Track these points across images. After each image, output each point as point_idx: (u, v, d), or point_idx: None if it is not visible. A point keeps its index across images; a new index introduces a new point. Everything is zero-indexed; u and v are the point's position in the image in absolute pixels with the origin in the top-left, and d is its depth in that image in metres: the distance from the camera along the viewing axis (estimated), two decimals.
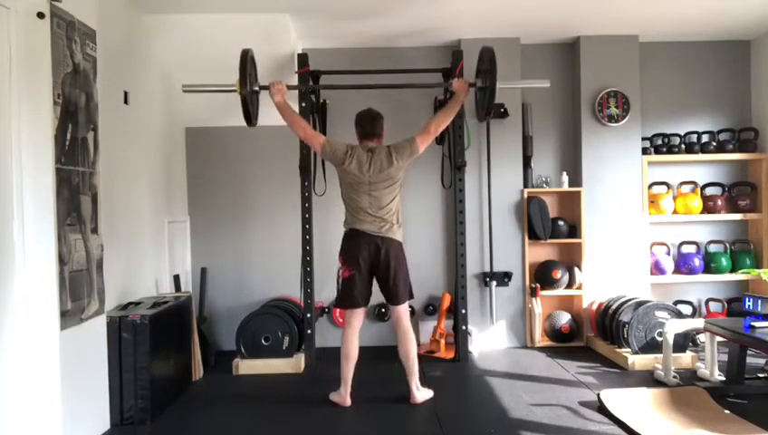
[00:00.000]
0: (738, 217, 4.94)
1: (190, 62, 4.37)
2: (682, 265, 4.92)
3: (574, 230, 4.88)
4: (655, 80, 5.01)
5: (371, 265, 3.43)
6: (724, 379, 3.72)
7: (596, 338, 4.67)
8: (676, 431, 2.95)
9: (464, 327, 4.43)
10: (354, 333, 3.50)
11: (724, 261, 4.88)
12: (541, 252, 4.93)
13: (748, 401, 3.39)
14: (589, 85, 4.84)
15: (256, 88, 3.53)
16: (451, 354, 4.51)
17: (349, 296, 3.46)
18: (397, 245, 3.46)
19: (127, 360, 3.24)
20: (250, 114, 3.52)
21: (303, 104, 4.35)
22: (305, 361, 4.33)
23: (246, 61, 3.45)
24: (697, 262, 4.87)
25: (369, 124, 3.54)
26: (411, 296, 3.57)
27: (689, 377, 3.85)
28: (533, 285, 4.76)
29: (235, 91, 3.43)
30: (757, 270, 4.51)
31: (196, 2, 3.95)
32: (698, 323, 3.93)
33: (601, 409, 3.28)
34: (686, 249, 4.99)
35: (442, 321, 4.66)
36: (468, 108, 4.60)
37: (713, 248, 5.00)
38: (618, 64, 4.84)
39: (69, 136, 2.83)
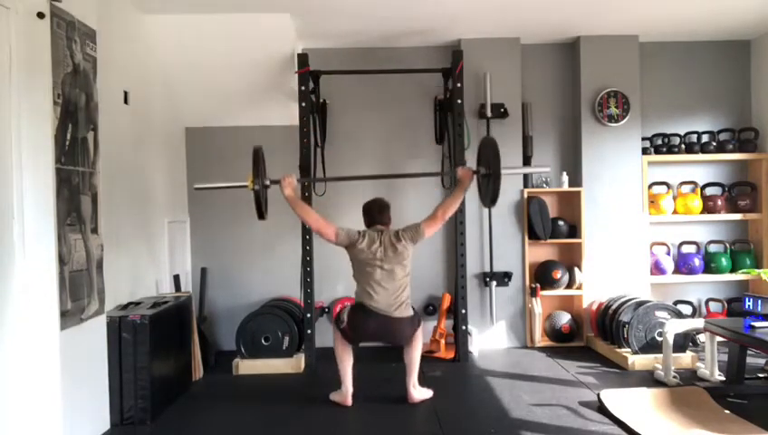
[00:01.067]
0: (738, 217, 4.94)
1: (190, 62, 4.38)
2: (682, 265, 4.91)
3: (574, 230, 4.88)
4: (655, 80, 5.01)
5: (374, 337, 3.50)
6: (724, 379, 3.72)
7: (596, 338, 4.66)
8: (676, 431, 2.95)
9: (464, 327, 4.43)
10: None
11: (724, 261, 4.87)
12: (541, 252, 4.93)
13: (748, 401, 3.39)
14: (589, 85, 4.84)
15: (267, 183, 3.58)
16: (451, 354, 4.51)
17: (348, 338, 3.52)
18: (407, 321, 3.47)
19: (127, 360, 3.24)
20: (262, 208, 3.59)
21: (303, 104, 4.35)
22: (305, 361, 4.33)
23: (258, 158, 3.52)
24: (697, 262, 4.87)
25: (377, 214, 3.62)
26: (419, 324, 3.58)
27: (689, 377, 3.85)
28: (533, 285, 4.76)
29: (246, 187, 3.48)
30: (757, 270, 4.52)
31: (196, 2, 3.94)
32: (698, 323, 3.93)
33: (601, 409, 3.28)
34: (686, 249, 4.99)
35: (442, 321, 4.66)
36: (468, 108, 4.62)
37: (713, 248, 5.00)
38: (618, 64, 4.84)
39: (69, 136, 2.83)
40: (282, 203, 4.79)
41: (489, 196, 3.54)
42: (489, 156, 3.50)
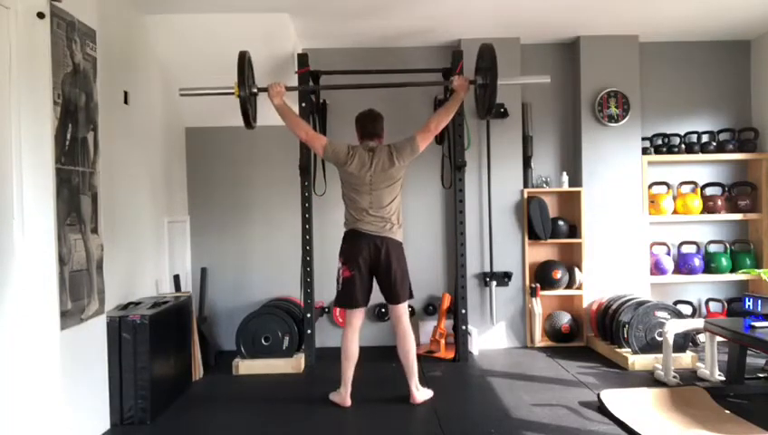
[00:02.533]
0: (738, 217, 4.94)
1: (190, 62, 4.37)
2: (682, 265, 4.91)
3: (574, 230, 4.88)
4: (655, 80, 5.01)
5: (371, 265, 3.44)
6: (724, 379, 3.72)
7: (596, 338, 4.67)
8: (676, 431, 2.95)
9: (464, 327, 4.43)
10: (354, 333, 3.51)
11: (724, 261, 4.87)
12: (541, 252, 4.93)
13: (748, 401, 3.40)
14: (589, 85, 4.84)
15: (255, 90, 3.50)
16: (451, 354, 4.51)
17: (349, 296, 3.46)
18: (397, 244, 3.46)
19: (127, 360, 3.24)
20: (249, 117, 3.50)
21: (303, 104, 4.35)
22: (305, 361, 4.33)
23: (244, 63, 3.42)
24: (697, 262, 4.86)
25: (370, 124, 3.54)
26: (411, 296, 3.56)
27: (689, 377, 3.85)
28: (533, 285, 4.76)
29: (233, 93, 3.41)
30: (757, 270, 4.52)
31: (196, 2, 3.95)
32: (698, 323, 3.93)
33: (601, 409, 3.28)
34: (686, 249, 4.99)
35: (442, 321, 4.66)
36: (468, 107, 4.61)
37: (713, 248, 5.00)
38: (618, 64, 4.84)
39: (69, 136, 2.83)
40: (283, 204, 4.85)
41: (485, 107, 3.50)
42: (487, 64, 3.42)
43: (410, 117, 4.87)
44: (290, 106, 3.55)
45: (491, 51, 3.40)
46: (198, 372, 4.12)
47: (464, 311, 4.43)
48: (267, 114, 4.60)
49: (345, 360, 3.49)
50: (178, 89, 3.64)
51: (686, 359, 4.11)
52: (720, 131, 4.97)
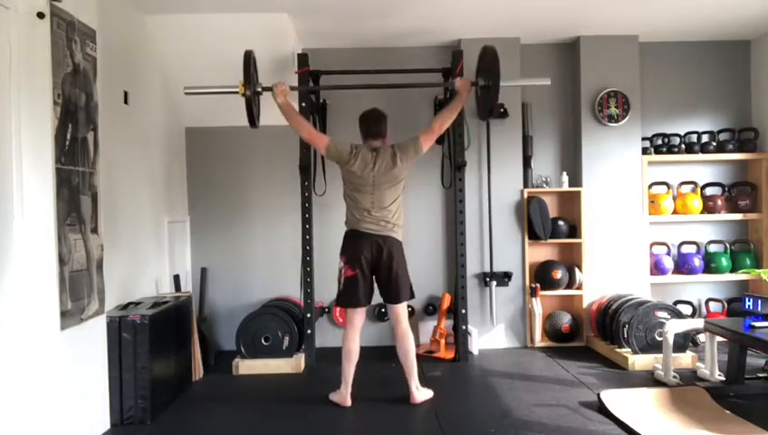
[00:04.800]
0: (738, 217, 4.94)
1: (190, 62, 4.37)
2: (682, 265, 4.91)
3: (574, 230, 4.88)
4: (655, 80, 5.01)
5: (373, 264, 3.45)
6: (724, 379, 3.72)
7: (596, 338, 4.67)
8: (676, 431, 2.95)
9: (464, 327, 4.43)
10: (356, 332, 3.51)
11: (724, 261, 4.87)
12: (541, 252, 4.93)
13: (748, 401, 3.40)
14: (589, 85, 4.84)
15: (259, 89, 3.52)
16: (451, 354, 4.51)
17: (351, 295, 3.46)
18: (398, 244, 3.48)
19: (127, 360, 3.24)
20: (254, 116, 3.54)
21: (303, 104, 4.35)
22: (305, 361, 4.33)
23: (250, 62, 3.45)
24: (697, 262, 4.86)
25: (374, 124, 3.54)
26: (412, 296, 3.56)
27: (689, 377, 3.85)
28: (533, 285, 4.76)
29: (237, 92, 3.44)
30: (757, 270, 4.52)
31: (196, 2, 3.94)
32: (698, 323, 3.94)
33: (601, 409, 3.28)
34: (686, 249, 4.99)
35: (442, 321, 4.66)
36: (468, 108, 4.60)
37: (713, 248, 5.00)
38: (618, 64, 4.84)
39: (69, 136, 2.83)
40: (282, 202, 4.85)
41: (486, 108, 3.52)
42: (488, 66, 3.43)
43: (410, 117, 4.88)
44: (293, 105, 3.56)
45: (492, 52, 3.41)
46: (198, 371, 4.12)
47: (464, 311, 4.43)
48: (268, 114, 4.61)
49: (346, 359, 3.49)
50: (183, 88, 3.65)
51: (686, 359, 4.12)
52: (720, 131, 4.97)
